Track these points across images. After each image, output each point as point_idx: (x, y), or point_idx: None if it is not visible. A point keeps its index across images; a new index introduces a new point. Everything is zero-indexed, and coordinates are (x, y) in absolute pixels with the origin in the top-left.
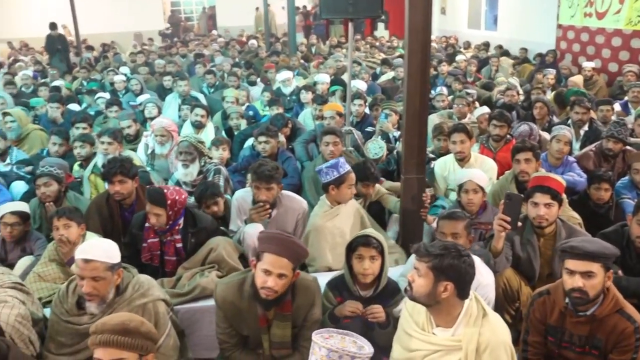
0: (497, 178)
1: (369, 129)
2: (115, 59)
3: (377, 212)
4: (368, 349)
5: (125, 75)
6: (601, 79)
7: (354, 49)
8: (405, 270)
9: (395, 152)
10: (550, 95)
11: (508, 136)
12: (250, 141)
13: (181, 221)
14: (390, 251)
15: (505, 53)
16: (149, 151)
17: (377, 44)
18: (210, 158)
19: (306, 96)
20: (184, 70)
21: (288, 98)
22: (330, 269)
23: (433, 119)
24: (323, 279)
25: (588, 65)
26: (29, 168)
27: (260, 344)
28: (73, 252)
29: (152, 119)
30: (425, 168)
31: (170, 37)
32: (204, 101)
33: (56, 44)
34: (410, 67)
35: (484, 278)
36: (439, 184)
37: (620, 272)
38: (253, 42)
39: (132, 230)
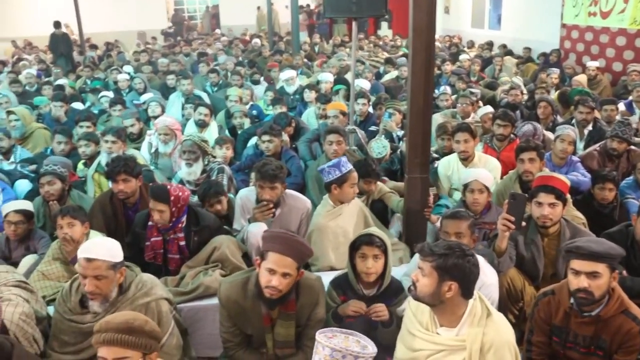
0: (501, 178)
1: (373, 128)
2: (118, 57)
3: (380, 211)
4: (371, 348)
5: (129, 74)
6: (605, 78)
7: (358, 48)
8: (409, 270)
9: (398, 151)
10: (554, 95)
11: (512, 136)
12: (253, 140)
13: (184, 219)
14: (393, 248)
15: (509, 52)
16: (153, 150)
17: (381, 43)
18: (214, 157)
19: (310, 95)
20: (188, 69)
21: (291, 97)
22: (333, 269)
23: (437, 119)
24: (326, 278)
25: (592, 64)
26: (33, 167)
27: (264, 343)
28: (77, 250)
29: (155, 117)
30: (429, 167)
31: (174, 36)
32: (207, 100)
33: (60, 43)
34: (414, 66)
35: (487, 278)
36: (442, 183)
37: (624, 272)
38: (256, 41)
39: (135, 229)
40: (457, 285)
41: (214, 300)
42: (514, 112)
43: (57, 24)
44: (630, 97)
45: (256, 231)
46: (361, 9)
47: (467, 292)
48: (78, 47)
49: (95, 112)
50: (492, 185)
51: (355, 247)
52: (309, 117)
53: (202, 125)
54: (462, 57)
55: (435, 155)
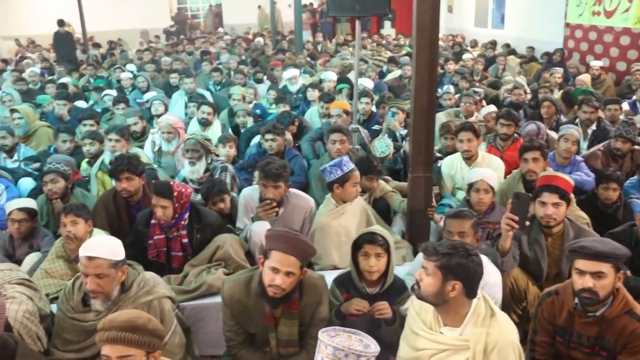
0: (504, 177)
1: (376, 127)
2: (121, 56)
3: (383, 209)
4: (374, 347)
5: (132, 72)
6: (609, 77)
7: (361, 47)
8: (413, 269)
9: (402, 150)
10: (557, 94)
11: (515, 135)
12: (256, 139)
13: (186, 216)
14: (396, 246)
15: (513, 52)
16: (156, 148)
17: (384, 42)
18: (217, 155)
19: (313, 94)
20: (191, 68)
21: (294, 96)
22: (336, 268)
23: (440, 118)
24: (329, 277)
25: (596, 64)
26: (37, 165)
27: (267, 341)
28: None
29: (158, 116)
30: (432, 166)
31: (177, 34)
32: (210, 99)
33: (63, 42)
34: (418, 64)
35: (491, 277)
36: (445, 182)
37: (628, 272)
38: (259, 39)
39: (137, 228)
40: (461, 284)
41: (217, 299)
42: (517, 111)
43: (60, 22)
44: (634, 97)
45: (259, 230)
46: (364, 7)
47: (471, 291)
48: (81, 45)
49: (99, 110)
50: (496, 185)
51: (357, 245)
52: (312, 116)
53: (205, 123)
54: (466, 56)
55: (438, 154)
